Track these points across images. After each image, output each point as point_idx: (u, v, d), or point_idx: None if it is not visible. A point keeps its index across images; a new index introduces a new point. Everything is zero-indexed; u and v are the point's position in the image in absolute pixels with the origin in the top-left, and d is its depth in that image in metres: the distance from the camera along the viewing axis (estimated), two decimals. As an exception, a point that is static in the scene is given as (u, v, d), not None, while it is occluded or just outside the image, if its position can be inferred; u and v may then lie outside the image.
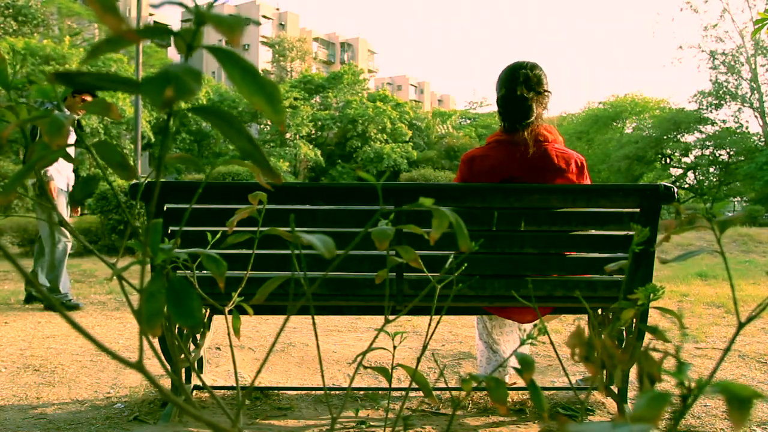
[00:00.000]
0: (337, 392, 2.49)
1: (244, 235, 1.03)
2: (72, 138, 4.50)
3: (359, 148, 33.11)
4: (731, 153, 25.59)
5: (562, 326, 3.80)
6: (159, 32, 0.43)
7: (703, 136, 26.47)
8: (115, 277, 0.73)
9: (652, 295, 0.85)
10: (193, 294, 0.55)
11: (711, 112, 26.79)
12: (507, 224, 2.04)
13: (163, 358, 1.12)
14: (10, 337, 3.40)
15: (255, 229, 1.10)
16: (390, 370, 1.07)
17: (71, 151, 4.28)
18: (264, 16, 53.81)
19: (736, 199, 27.22)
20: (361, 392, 2.43)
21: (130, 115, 20.21)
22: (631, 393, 2.29)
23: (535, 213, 2.04)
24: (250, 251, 2.00)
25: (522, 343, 0.94)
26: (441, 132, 39.41)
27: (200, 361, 2.44)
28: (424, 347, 1.07)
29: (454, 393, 2.33)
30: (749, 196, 24.53)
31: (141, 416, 2.13)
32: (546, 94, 2.29)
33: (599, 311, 2.25)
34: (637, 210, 2.03)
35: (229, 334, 1.14)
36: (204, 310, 2.21)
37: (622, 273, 1.99)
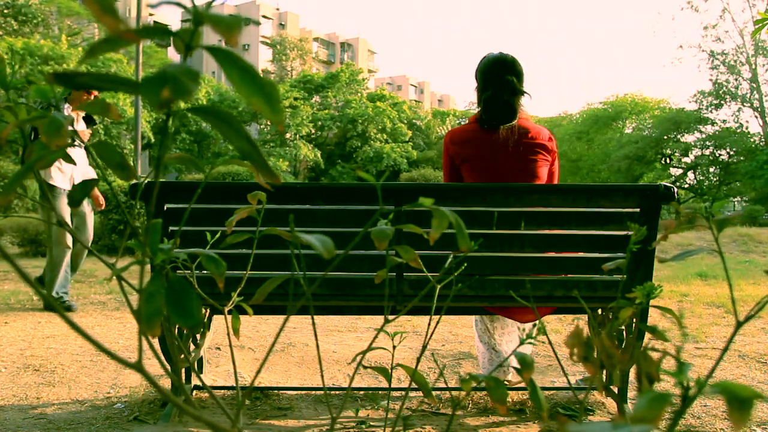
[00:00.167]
0: (337, 392, 2.49)
1: (243, 235, 1.03)
2: (81, 129, 4.35)
3: (359, 147, 33.11)
4: (731, 153, 25.59)
5: (562, 326, 3.80)
6: (157, 32, 0.43)
7: (703, 136, 26.47)
8: (114, 277, 0.73)
9: (650, 294, 0.85)
10: (192, 294, 0.55)
11: (711, 112, 26.80)
12: (507, 224, 2.04)
13: (162, 358, 1.12)
14: (10, 337, 3.40)
15: (254, 229, 1.10)
16: (390, 370, 1.07)
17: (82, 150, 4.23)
18: (264, 16, 53.81)
19: (736, 198, 27.23)
20: (361, 392, 2.43)
21: (130, 116, 20.22)
22: (630, 393, 2.29)
23: (535, 213, 2.04)
24: (250, 251, 2.00)
25: (521, 342, 0.94)
26: (441, 132, 39.41)
27: (200, 361, 2.44)
28: (424, 347, 1.07)
29: (454, 393, 2.33)
30: (749, 195, 24.54)
31: (141, 416, 2.13)
32: (526, 94, 2.36)
33: (599, 311, 2.25)
34: (637, 210, 2.03)
35: (228, 334, 1.14)
36: (204, 310, 2.21)
37: (621, 273, 2.00)
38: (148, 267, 0.80)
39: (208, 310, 2.24)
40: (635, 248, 0.86)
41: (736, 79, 26.38)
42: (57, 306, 0.49)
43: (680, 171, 27.48)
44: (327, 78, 35.94)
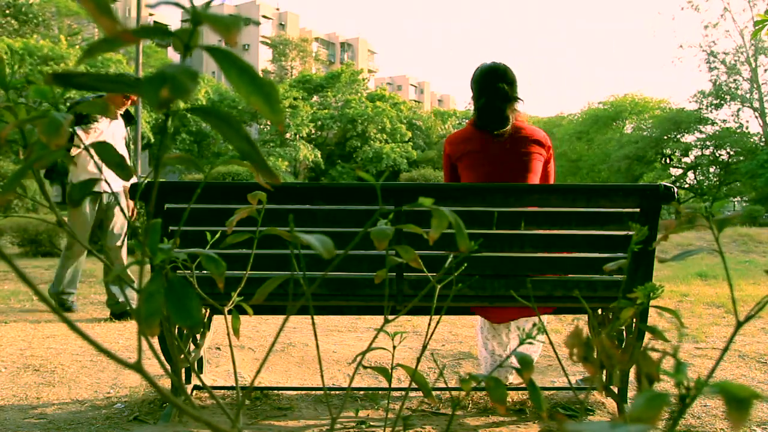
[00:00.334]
0: (337, 392, 2.49)
1: (243, 235, 1.03)
2: (121, 131, 4.15)
3: (359, 148, 33.12)
4: (731, 153, 25.59)
5: (562, 326, 3.80)
6: (156, 32, 0.43)
7: (703, 136, 26.47)
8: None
9: (651, 294, 0.85)
10: (192, 294, 0.55)
11: (711, 112, 26.80)
12: (507, 224, 2.04)
13: (162, 358, 1.12)
14: (10, 337, 3.40)
15: (254, 229, 1.10)
16: (390, 370, 1.07)
17: (117, 141, 4.06)
18: (264, 16, 53.81)
19: (736, 198, 27.23)
20: (361, 392, 2.43)
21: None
22: (630, 393, 2.29)
23: (535, 213, 2.04)
24: (250, 251, 2.00)
25: (521, 342, 0.94)
26: (441, 132, 39.44)
27: (200, 361, 2.44)
28: (424, 347, 1.07)
29: (454, 393, 2.33)
30: (749, 195, 24.53)
31: (141, 416, 2.13)
32: (519, 100, 2.45)
33: (599, 311, 2.25)
34: (637, 210, 2.03)
35: (228, 334, 1.14)
36: (204, 310, 2.21)
37: (621, 273, 2.00)
38: (147, 267, 0.80)
39: (208, 310, 2.24)
40: (636, 248, 0.86)
41: (734, 81, 26.38)
42: (56, 308, 0.49)
43: (680, 171, 27.48)
44: (327, 78, 35.94)
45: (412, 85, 70.02)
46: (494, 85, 2.40)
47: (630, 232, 2.05)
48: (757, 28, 2.27)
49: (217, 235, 1.34)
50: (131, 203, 4.34)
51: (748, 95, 26.11)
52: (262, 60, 51.39)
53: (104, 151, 0.63)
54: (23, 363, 2.85)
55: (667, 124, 26.35)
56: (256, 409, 2.23)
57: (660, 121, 27.22)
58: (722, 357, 0.59)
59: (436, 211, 0.69)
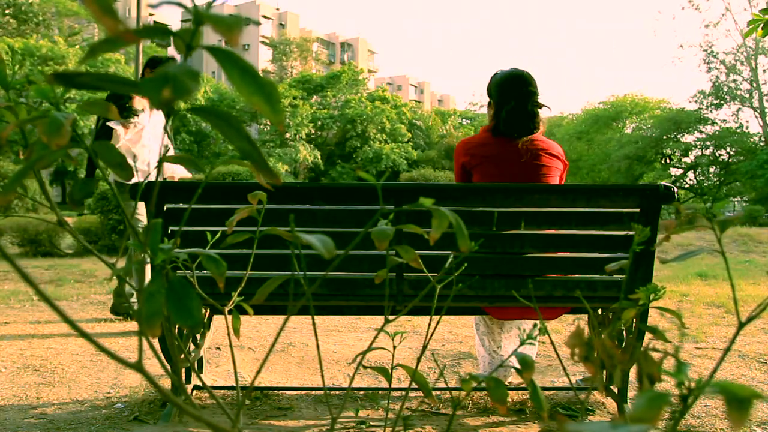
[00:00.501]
0: (337, 392, 2.49)
1: (243, 235, 1.03)
2: (161, 120, 3.79)
3: (359, 148, 33.13)
4: (731, 153, 25.59)
5: (562, 326, 3.80)
6: (157, 32, 0.43)
7: (703, 136, 26.47)
8: (114, 277, 0.73)
9: (652, 295, 0.85)
10: (192, 294, 0.55)
11: (711, 112, 26.80)
12: (507, 224, 2.04)
13: (162, 358, 1.12)
14: (10, 337, 3.40)
15: (255, 228, 1.10)
16: (390, 370, 1.07)
17: (158, 134, 3.77)
18: (264, 16, 53.81)
19: (736, 199, 27.23)
20: (361, 392, 2.43)
21: (130, 116, 20.14)
22: (631, 393, 2.29)
23: (535, 213, 2.04)
24: (250, 251, 2.00)
25: (522, 343, 0.94)
26: (442, 132, 39.44)
27: (200, 361, 2.44)
28: (424, 347, 1.07)
29: (454, 393, 2.33)
30: (749, 195, 24.53)
31: (141, 416, 2.13)
32: (547, 107, 2.39)
33: (599, 311, 2.25)
34: (637, 210, 2.03)
35: (229, 334, 1.14)
36: (204, 310, 2.21)
37: (622, 273, 2.00)
38: (148, 267, 0.80)
39: (209, 310, 2.24)
40: (638, 249, 0.86)
41: (734, 81, 26.38)
42: (56, 306, 0.49)
43: (680, 171, 27.47)
44: (328, 78, 35.95)
45: (412, 85, 70.02)
46: (524, 90, 2.31)
47: (630, 233, 2.05)
48: (750, 27, 2.26)
49: (218, 235, 1.34)
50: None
51: (747, 95, 26.11)
52: (262, 60, 51.39)
53: (105, 151, 0.63)
54: (23, 363, 2.85)
55: (667, 124, 26.34)
56: (256, 409, 2.23)
57: (660, 121, 27.22)
58: (723, 358, 0.59)
59: (436, 212, 0.69)
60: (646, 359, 0.57)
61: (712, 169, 26.73)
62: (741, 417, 0.42)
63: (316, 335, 0.97)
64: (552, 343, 1.09)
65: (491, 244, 2.04)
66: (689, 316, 4.13)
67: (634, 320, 1.97)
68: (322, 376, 0.91)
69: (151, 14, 46.47)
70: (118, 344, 3.32)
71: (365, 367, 1.22)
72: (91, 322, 3.93)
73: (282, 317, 3.23)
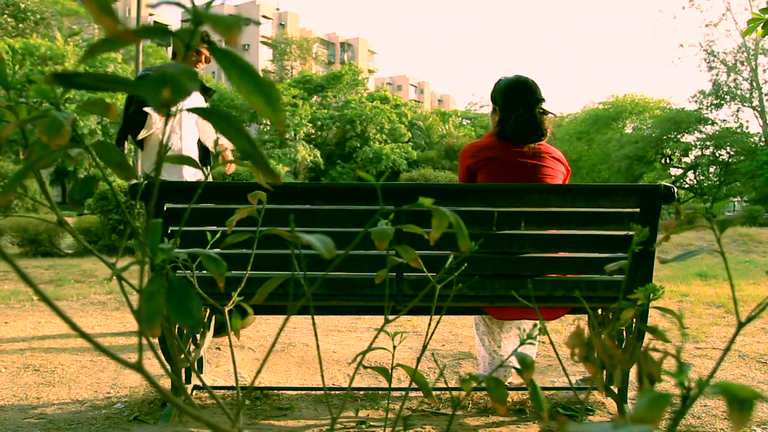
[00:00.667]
0: (337, 392, 2.49)
1: (243, 235, 1.03)
2: (201, 104, 3.62)
3: (359, 148, 33.13)
4: (731, 153, 25.60)
5: (562, 326, 3.80)
6: (157, 32, 0.43)
7: (703, 136, 26.47)
8: (114, 277, 0.73)
9: (651, 295, 0.85)
10: (192, 294, 0.55)
11: (711, 111, 26.81)
12: (507, 224, 2.04)
13: (162, 358, 1.12)
14: (10, 337, 3.40)
15: (255, 228, 1.10)
16: (390, 370, 1.07)
17: (191, 122, 3.64)
18: (264, 16, 53.81)
19: (736, 199, 27.24)
20: (361, 392, 2.43)
21: (129, 116, 20.16)
22: (631, 393, 2.29)
23: (535, 213, 2.04)
24: (250, 251, 2.00)
25: (522, 343, 0.94)
26: (442, 132, 39.46)
27: (200, 361, 2.44)
28: (424, 347, 1.07)
29: (454, 393, 2.33)
30: (749, 195, 24.53)
31: (141, 416, 2.13)
32: (554, 115, 2.42)
33: (599, 311, 2.25)
34: (637, 210, 2.03)
35: (229, 334, 1.14)
36: (204, 310, 2.21)
37: (622, 273, 1.99)
38: (148, 267, 0.80)
39: (208, 310, 2.24)
40: (637, 249, 0.86)
41: (734, 80, 26.39)
42: (55, 306, 0.49)
43: (680, 171, 27.48)
44: (328, 78, 35.95)
45: (412, 85, 70.03)
46: (531, 97, 2.34)
47: (630, 232, 2.05)
48: (750, 26, 2.26)
49: (218, 235, 1.34)
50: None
51: (747, 95, 26.12)
52: (262, 60, 51.39)
53: (105, 150, 0.63)
54: (23, 363, 2.85)
55: (667, 124, 26.35)
56: (256, 409, 2.23)
57: (660, 121, 27.23)
58: (723, 358, 0.59)
59: (436, 211, 0.69)
60: (646, 359, 0.57)
61: (712, 169, 26.74)
62: (742, 418, 0.42)
63: (316, 335, 0.97)
64: (551, 343, 1.09)
65: (491, 244, 2.04)
66: (689, 316, 4.13)
67: (634, 320, 1.97)
68: (322, 376, 0.91)
69: (151, 14, 46.47)
70: (118, 344, 3.32)
71: (365, 367, 1.22)
72: (91, 322, 3.93)
73: (282, 317, 3.23)
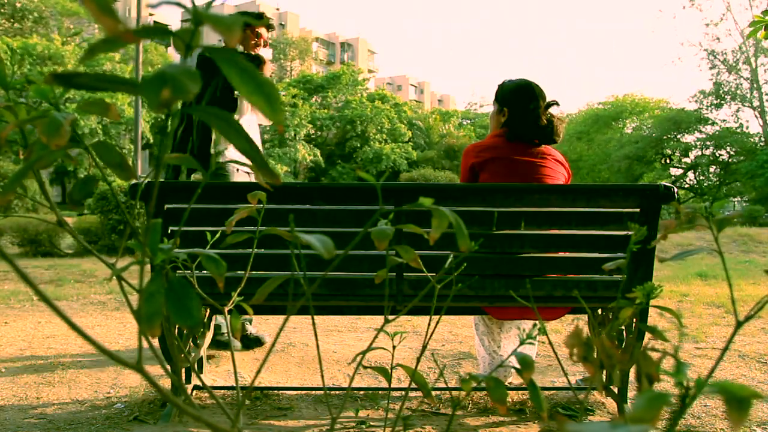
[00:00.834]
0: (337, 392, 2.49)
1: (243, 235, 1.03)
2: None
3: (359, 148, 33.13)
4: (731, 153, 25.60)
5: (562, 326, 3.80)
6: (156, 32, 0.43)
7: (703, 136, 26.48)
8: (114, 277, 0.73)
9: (650, 294, 0.85)
10: (192, 294, 0.55)
11: (711, 111, 26.81)
12: (507, 224, 2.04)
13: (162, 358, 1.12)
14: (10, 337, 3.40)
15: (254, 228, 1.10)
16: (390, 370, 1.07)
17: (253, 120, 3.35)
18: (264, 16, 53.70)
19: (736, 199, 27.23)
20: (361, 392, 2.43)
21: (129, 116, 20.23)
22: (630, 393, 2.29)
23: (535, 213, 2.04)
24: (250, 251, 2.00)
25: (522, 342, 0.94)
26: (442, 132, 39.46)
27: (200, 361, 2.44)
28: (424, 347, 1.07)
29: (454, 393, 2.33)
30: (749, 195, 24.54)
31: (141, 416, 2.13)
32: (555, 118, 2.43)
33: (599, 311, 2.25)
34: (637, 210, 2.03)
35: (228, 334, 1.14)
36: (204, 310, 2.21)
37: (621, 273, 2.00)
38: (148, 267, 0.80)
39: (208, 310, 2.24)
40: (635, 248, 0.86)
41: (736, 79, 26.40)
42: (55, 306, 0.49)
43: (680, 171, 27.49)
44: (328, 78, 35.94)
45: (412, 85, 70.02)
46: (542, 99, 2.36)
47: (630, 232, 2.05)
48: (753, 29, 2.26)
49: (217, 235, 1.34)
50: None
51: (748, 95, 26.13)
52: (262, 60, 51.27)
53: (105, 150, 0.63)
54: (23, 363, 2.85)
55: (667, 124, 26.36)
56: (256, 409, 2.23)
57: (660, 121, 27.23)
58: (722, 357, 0.59)
59: (436, 211, 0.69)
60: (646, 359, 0.58)
61: (712, 169, 26.75)
62: (740, 417, 0.42)
63: (316, 335, 0.97)
64: (551, 343, 1.09)
65: (491, 244, 2.04)
66: (689, 316, 4.13)
67: (634, 320, 1.97)
68: (322, 376, 0.91)
69: (151, 14, 46.46)
70: (119, 344, 3.32)
71: (365, 367, 1.22)
72: (91, 322, 3.93)
73: (282, 317, 3.23)
